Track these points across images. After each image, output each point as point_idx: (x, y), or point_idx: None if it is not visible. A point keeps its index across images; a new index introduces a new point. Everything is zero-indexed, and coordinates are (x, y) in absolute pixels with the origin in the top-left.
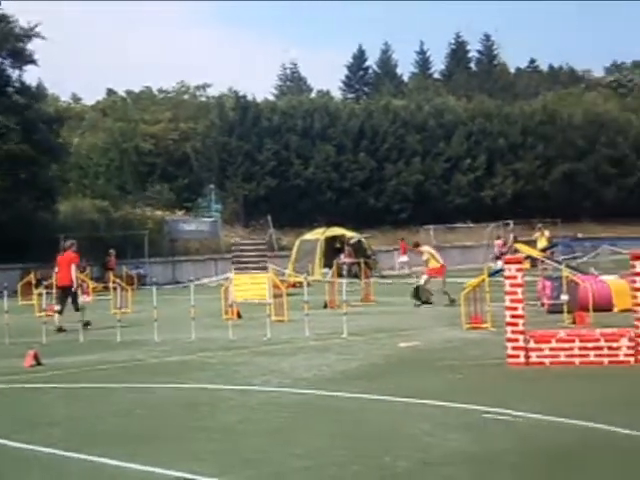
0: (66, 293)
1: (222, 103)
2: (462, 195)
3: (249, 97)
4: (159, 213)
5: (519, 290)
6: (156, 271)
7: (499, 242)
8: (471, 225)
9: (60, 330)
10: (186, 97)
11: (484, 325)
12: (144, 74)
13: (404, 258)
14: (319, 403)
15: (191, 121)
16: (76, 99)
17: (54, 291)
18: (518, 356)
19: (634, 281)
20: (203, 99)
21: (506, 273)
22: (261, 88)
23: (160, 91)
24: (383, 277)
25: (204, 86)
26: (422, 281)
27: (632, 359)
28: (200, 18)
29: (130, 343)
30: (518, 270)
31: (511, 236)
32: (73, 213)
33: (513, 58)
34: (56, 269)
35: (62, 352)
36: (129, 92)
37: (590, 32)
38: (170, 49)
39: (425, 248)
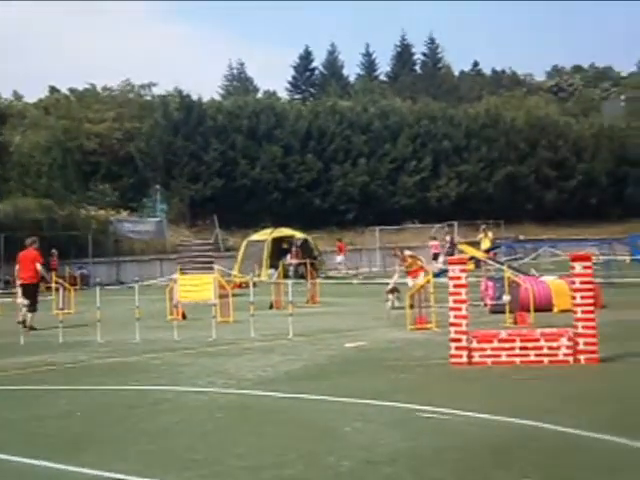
0: (31, 290)
1: (167, 102)
2: (408, 196)
3: (194, 97)
4: (103, 213)
5: (463, 291)
6: (100, 271)
7: (434, 243)
8: (418, 226)
9: (32, 328)
10: (131, 96)
11: (428, 326)
12: (88, 72)
13: (340, 258)
14: (262, 403)
15: (136, 120)
16: (18, 97)
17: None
18: (461, 356)
19: (573, 282)
20: (148, 98)
21: (450, 274)
22: (207, 88)
23: (104, 89)
24: (329, 278)
25: (149, 85)
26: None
27: (571, 359)
28: (146, 16)
29: (72, 344)
30: (462, 271)
31: (448, 238)
32: (15, 212)
33: (457, 61)
34: (17, 267)
35: (2, 353)
36: (73, 90)
37: (531, 36)
38: (114, 47)
39: (407, 253)
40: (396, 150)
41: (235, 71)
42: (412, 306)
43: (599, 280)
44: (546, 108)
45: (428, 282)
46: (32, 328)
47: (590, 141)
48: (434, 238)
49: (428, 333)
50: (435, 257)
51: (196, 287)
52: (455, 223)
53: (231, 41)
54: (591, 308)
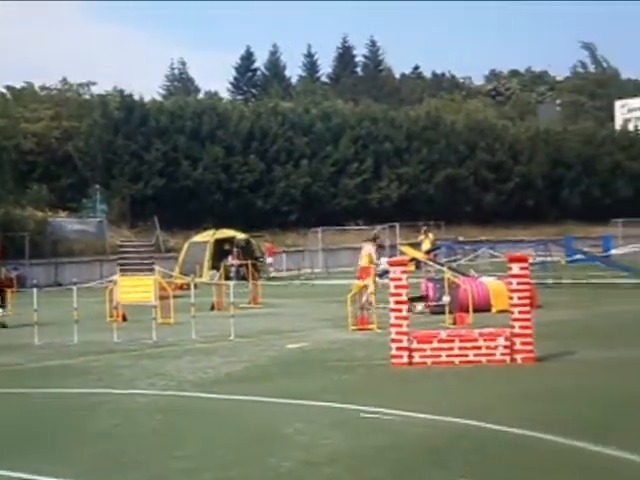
0: None
1: (106, 102)
2: (349, 198)
3: (135, 97)
4: (41, 214)
5: (404, 292)
6: (37, 273)
7: (371, 247)
8: (362, 227)
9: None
10: (69, 95)
11: (370, 326)
12: (25, 71)
13: (269, 260)
14: (202, 405)
15: (74, 119)
16: None
17: None
18: (402, 356)
19: (511, 283)
20: (87, 97)
21: (391, 275)
22: (148, 88)
23: (42, 88)
24: (271, 279)
25: (87, 84)
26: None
27: (508, 358)
28: (85, 15)
29: (9, 347)
30: (403, 272)
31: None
32: None
33: (398, 64)
34: None
35: None
36: (9, 87)
37: (470, 41)
38: (52, 46)
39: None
40: (338, 152)
41: (176, 71)
42: (360, 308)
43: (535, 281)
44: (485, 111)
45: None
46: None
47: (527, 144)
48: (367, 240)
49: (370, 334)
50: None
51: (136, 288)
52: (397, 224)
53: (172, 41)
54: (527, 308)
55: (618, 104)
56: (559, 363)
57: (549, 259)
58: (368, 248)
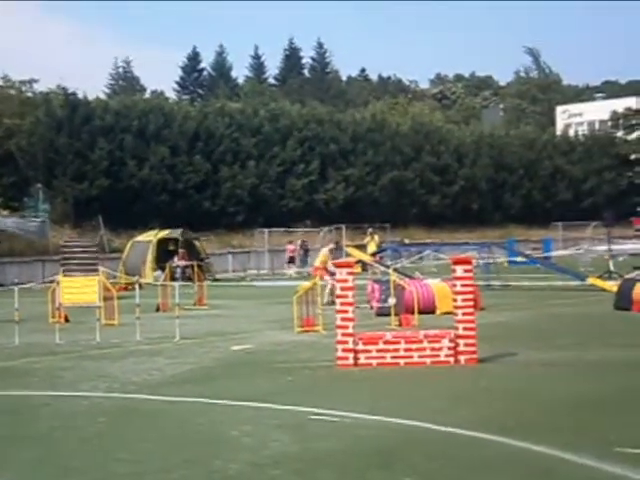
0: None
1: (49, 99)
2: (296, 199)
3: (79, 95)
4: None
5: (349, 293)
6: None
7: (290, 247)
8: (309, 229)
9: None
10: (12, 92)
11: (316, 328)
12: None
13: (181, 263)
14: (147, 407)
15: (16, 117)
16: None
17: None
18: (347, 358)
19: (455, 285)
20: (29, 95)
21: (337, 277)
22: (92, 86)
23: None
24: (216, 280)
25: (30, 81)
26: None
27: (452, 359)
28: (29, 11)
29: None
30: (349, 274)
31: (298, 242)
32: None
33: (345, 67)
34: None
35: None
36: None
37: (416, 44)
38: None
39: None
40: (285, 153)
41: (121, 70)
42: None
43: (479, 283)
44: (430, 115)
45: (315, 284)
46: None
47: (471, 147)
48: (290, 242)
49: (315, 335)
50: (291, 260)
51: (80, 289)
52: (343, 226)
53: (117, 39)
54: (471, 310)
55: (559, 109)
56: (502, 364)
57: (492, 261)
58: (325, 250)
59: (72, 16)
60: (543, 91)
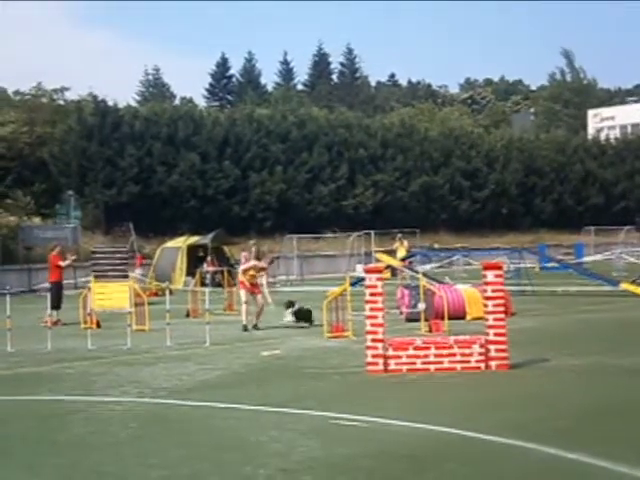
0: None
1: (81, 107)
2: (324, 205)
3: (110, 102)
4: (13, 219)
5: (379, 299)
6: (10, 279)
7: (245, 254)
8: (337, 235)
9: None
10: (44, 100)
11: (345, 334)
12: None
13: (139, 270)
14: (177, 413)
15: (48, 125)
16: None
17: None
18: (377, 364)
19: (485, 290)
20: (61, 103)
21: (367, 282)
22: (123, 94)
23: (16, 93)
24: None
25: (62, 89)
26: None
27: (483, 365)
28: (62, 20)
29: None
30: (378, 279)
31: (253, 249)
32: None
33: (374, 72)
34: None
35: None
36: None
37: (446, 49)
38: (27, 50)
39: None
40: (312, 159)
41: (151, 77)
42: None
43: (510, 288)
44: (460, 120)
45: (345, 290)
46: None
47: (501, 152)
48: (244, 249)
49: (344, 341)
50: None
51: (111, 295)
52: (372, 232)
53: (147, 47)
54: (502, 316)
55: (591, 113)
56: (533, 370)
57: (523, 266)
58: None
59: (103, 24)
60: (576, 94)
